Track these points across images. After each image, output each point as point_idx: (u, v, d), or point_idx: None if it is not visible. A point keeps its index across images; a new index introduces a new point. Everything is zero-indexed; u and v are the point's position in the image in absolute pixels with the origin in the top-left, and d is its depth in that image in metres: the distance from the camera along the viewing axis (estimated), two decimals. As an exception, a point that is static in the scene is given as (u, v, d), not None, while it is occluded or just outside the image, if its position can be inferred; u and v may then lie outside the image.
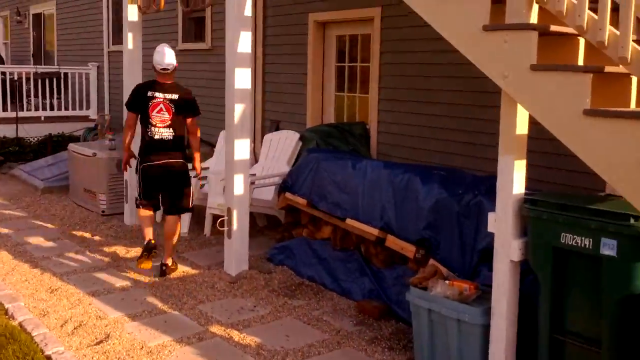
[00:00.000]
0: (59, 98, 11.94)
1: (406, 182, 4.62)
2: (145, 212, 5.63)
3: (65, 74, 12.04)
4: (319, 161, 5.39)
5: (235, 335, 4.30)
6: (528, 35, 3.11)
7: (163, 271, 5.44)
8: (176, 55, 5.70)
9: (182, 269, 5.63)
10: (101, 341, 4.15)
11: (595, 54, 3.39)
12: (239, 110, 5.40)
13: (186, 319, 4.57)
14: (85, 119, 12.19)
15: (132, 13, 6.92)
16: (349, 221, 4.97)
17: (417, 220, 4.44)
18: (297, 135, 6.90)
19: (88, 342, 4.15)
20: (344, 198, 5.07)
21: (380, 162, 5.11)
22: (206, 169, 7.50)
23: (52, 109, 11.88)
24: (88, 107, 12.35)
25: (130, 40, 6.94)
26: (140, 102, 5.52)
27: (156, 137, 5.46)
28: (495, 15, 3.32)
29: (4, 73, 11.52)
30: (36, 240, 6.42)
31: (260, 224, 6.99)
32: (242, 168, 5.46)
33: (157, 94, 5.46)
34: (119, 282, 5.27)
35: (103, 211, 7.53)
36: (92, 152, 7.64)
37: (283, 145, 6.97)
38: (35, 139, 11.20)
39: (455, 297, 3.63)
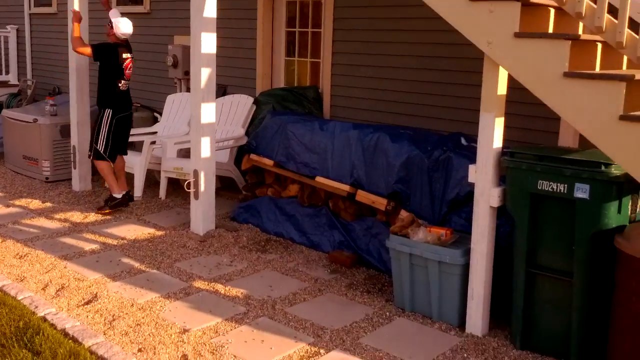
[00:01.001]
0: (-25, 62, 11.29)
1: (375, 141, 4.91)
2: (114, 164, 6.33)
3: (-18, 37, 11.38)
4: (285, 123, 5.57)
5: (221, 288, 4.48)
6: (512, 6, 3.44)
7: (131, 197, 6.45)
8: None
9: (147, 231, 5.69)
10: (90, 301, 4.21)
11: (563, 23, 3.80)
12: (205, 75, 5.47)
13: (167, 276, 4.68)
14: (5, 84, 11.58)
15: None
16: (318, 179, 5.21)
17: (388, 176, 4.76)
18: (251, 99, 7.02)
19: (76, 302, 4.20)
20: (313, 158, 5.30)
21: (348, 123, 5.36)
22: (154, 133, 7.50)
23: (-32, 74, 11.24)
24: (7, 72, 11.72)
25: (76, 2, 6.71)
26: (110, 57, 6.14)
27: (124, 89, 6.24)
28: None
29: None
30: (-16, 208, 6.24)
31: (215, 185, 7.08)
32: (209, 131, 5.56)
33: (127, 54, 6.24)
34: (87, 246, 5.27)
35: (47, 178, 7.36)
36: (32, 118, 7.40)
37: (236, 109, 7.07)
38: (-47, 105, 10.59)
39: (435, 242, 3.99)
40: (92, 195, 6.82)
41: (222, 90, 8.04)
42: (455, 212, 4.38)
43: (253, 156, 5.79)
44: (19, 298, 4.13)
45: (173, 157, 6.74)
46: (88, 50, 6.08)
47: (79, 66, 6.85)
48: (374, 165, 4.88)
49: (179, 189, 7.08)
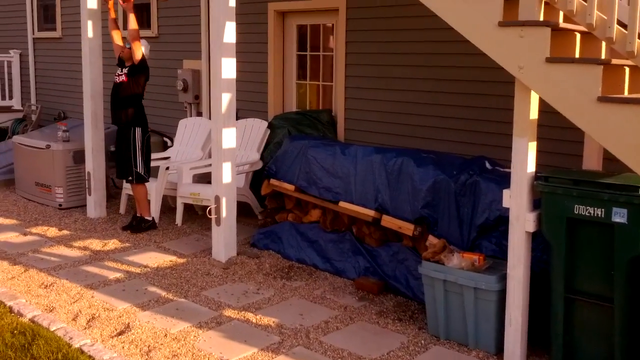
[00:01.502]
0: (-21, 88, 11.28)
1: (400, 165, 4.94)
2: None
3: (-15, 62, 11.38)
4: (306, 148, 5.60)
5: (251, 317, 4.47)
6: (543, 31, 3.50)
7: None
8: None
9: (169, 258, 5.68)
10: (123, 331, 4.19)
11: (588, 47, 3.87)
12: (225, 100, 5.49)
13: (196, 305, 4.67)
14: (9, 109, 11.58)
15: (91, 0, 6.73)
16: (342, 204, 5.23)
17: (414, 201, 4.78)
18: (265, 123, 7.05)
19: (109, 333, 4.17)
20: (336, 182, 5.32)
21: (370, 147, 5.40)
22: (166, 158, 7.51)
23: (-29, 99, 11.23)
24: (11, 97, 11.73)
25: (90, 29, 6.76)
26: (147, 74, 6.43)
27: None
28: (505, 12, 3.69)
29: None
30: (1, 237, 6.20)
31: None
32: (230, 156, 5.57)
33: None
34: (111, 275, 5.25)
35: (60, 205, 7.33)
36: (45, 144, 7.40)
37: (250, 134, 7.10)
38: (-42, 132, 10.57)
39: (469, 268, 4.01)
40: (108, 222, 6.80)
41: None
42: (484, 237, 4.41)
43: (273, 181, 5.81)
44: (52, 329, 4.10)
45: (189, 183, 6.74)
46: (141, 52, 6.20)
47: (93, 92, 6.88)
48: (399, 189, 4.91)
49: (193, 214, 7.10)
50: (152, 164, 7.59)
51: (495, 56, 3.69)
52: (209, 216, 5.71)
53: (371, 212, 5.03)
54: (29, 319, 4.28)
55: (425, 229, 4.78)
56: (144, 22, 9.26)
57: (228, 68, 5.49)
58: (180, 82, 8.35)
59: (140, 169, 6.27)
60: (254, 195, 6.85)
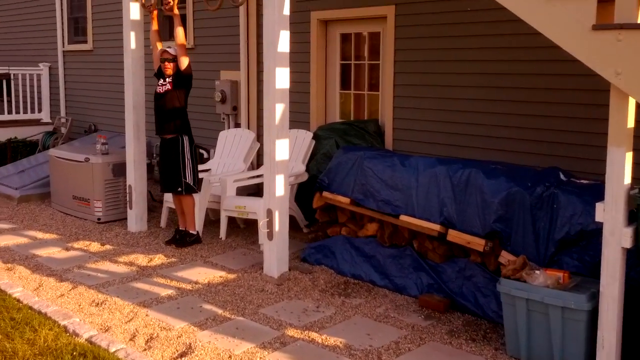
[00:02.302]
0: (9, 101, 11.18)
1: (467, 177, 4.71)
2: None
3: (15, 76, 11.29)
4: (361, 159, 5.39)
5: (316, 337, 4.24)
6: (643, 33, 3.27)
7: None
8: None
9: (219, 274, 5.47)
10: (185, 353, 3.97)
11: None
12: (279, 111, 5.30)
13: (256, 324, 4.45)
14: (38, 122, 11.50)
15: (134, 11, 6.59)
16: (403, 218, 5.01)
17: (484, 214, 4.55)
18: (310, 134, 6.86)
19: (171, 354, 3.96)
20: (395, 195, 5.10)
21: (431, 158, 5.18)
22: (207, 170, 7.33)
23: (1, 112, 11.11)
24: (40, 110, 11.64)
25: (132, 40, 6.61)
26: (191, 83, 6.30)
27: None
28: (598, 15, 3.47)
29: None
30: (44, 252, 6.03)
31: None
32: (283, 168, 5.38)
33: None
34: (162, 291, 5.05)
35: (99, 219, 7.16)
36: (84, 158, 7.23)
37: (295, 144, 6.90)
38: (-11, 145, 10.46)
39: (555, 286, 3.77)
40: (149, 236, 6.61)
41: (272, 125, 7.89)
42: (564, 252, 4.16)
43: (326, 194, 5.60)
44: (112, 350, 3.90)
45: (233, 195, 6.55)
46: (188, 61, 6.16)
47: (136, 103, 6.70)
48: (467, 203, 4.68)
49: (235, 227, 6.90)
50: (193, 176, 7.45)
51: (589, 62, 3.46)
52: (261, 230, 5.51)
53: (436, 227, 4.79)
54: (86, 339, 4.07)
55: (497, 245, 4.54)
56: (171, 33, 9.12)
57: (282, 78, 5.31)
58: (219, 93, 8.19)
59: (189, 179, 6.10)
60: (299, 208, 6.66)
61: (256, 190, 7.68)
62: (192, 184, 6.12)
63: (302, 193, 6.63)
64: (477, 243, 4.56)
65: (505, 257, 4.39)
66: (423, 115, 6.35)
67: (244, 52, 8.05)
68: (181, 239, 6.21)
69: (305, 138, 6.85)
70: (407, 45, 6.42)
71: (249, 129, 8.01)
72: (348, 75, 7.27)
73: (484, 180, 4.60)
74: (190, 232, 6.24)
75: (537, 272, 3.83)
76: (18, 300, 4.73)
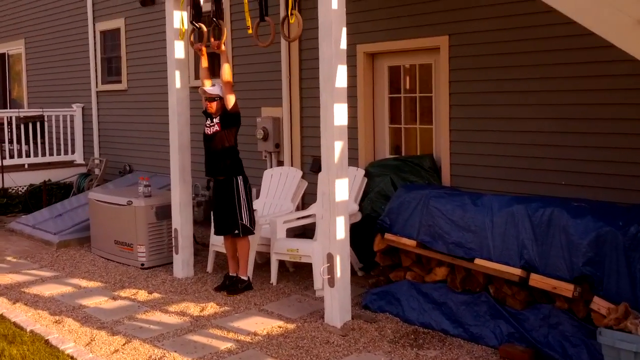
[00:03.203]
0: (42, 143, 11.08)
1: (549, 217, 4.38)
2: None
3: (49, 117, 11.22)
4: (427, 198, 5.08)
5: (397, 396, 3.89)
6: None
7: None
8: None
9: (277, 324, 5.15)
10: (258, 418, 3.64)
11: None
12: (338, 148, 5.04)
13: (328, 382, 4.11)
14: (71, 164, 11.38)
15: (179, 50, 6.42)
16: (478, 261, 4.66)
17: (571, 257, 4.20)
18: (362, 171, 6.58)
19: (243, 420, 3.63)
20: (468, 237, 4.77)
21: (506, 196, 4.86)
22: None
23: (35, 155, 11.01)
24: (73, 152, 11.54)
25: (177, 79, 6.42)
26: (239, 122, 6.06)
27: None
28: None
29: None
30: (91, 302, 5.76)
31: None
32: (343, 210, 5.08)
33: None
34: (221, 345, 4.73)
35: (142, 264, 6.90)
36: (126, 201, 7.01)
37: (345, 183, 6.60)
38: (23, 188, 10.33)
39: (669, 338, 3.40)
40: (197, 282, 6.32)
41: (318, 163, 7.63)
42: (668, 297, 3.79)
43: (389, 236, 5.28)
44: (179, 419, 3.58)
45: (284, 238, 6.26)
46: (234, 100, 5.92)
47: (181, 144, 6.49)
48: (550, 244, 4.33)
49: (284, 270, 6.60)
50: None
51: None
52: (321, 276, 5.20)
53: (517, 271, 4.44)
54: (150, 404, 3.76)
55: (586, 290, 4.18)
56: (216, 70, 8.98)
57: (340, 114, 5.06)
58: (261, 131, 7.97)
59: (246, 221, 5.83)
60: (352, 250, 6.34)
61: (302, 231, 7.39)
62: (249, 225, 5.85)
63: (355, 234, 6.31)
64: (565, 288, 4.19)
65: (598, 303, 4.02)
66: (483, 149, 6.04)
67: (286, 87, 7.84)
68: (232, 286, 5.92)
69: (357, 175, 6.56)
70: (463, 77, 6.15)
71: (292, 166, 7.75)
72: (397, 109, 7.01)
73: (568, 220, 4.25)
74: (242, 277, 5.95)
75: (648, 322, 3.46)
76: (72, 358, 4.45)
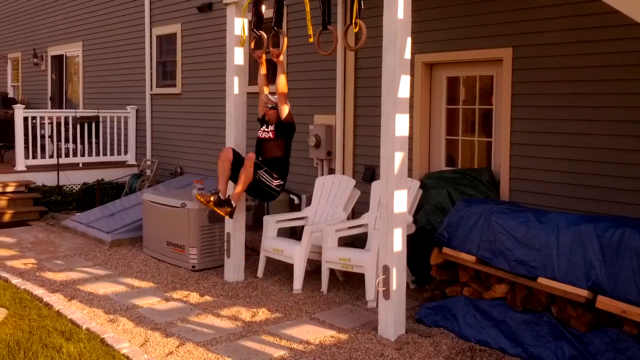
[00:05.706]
0: (97, 143, 11.30)
1: (619, 237, 4.21)
2: None
3: (104, 118, 11.44)
4: (489, 214, 4.95)
5: (456, 416, 3.78)
6: None
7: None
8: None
9: (329, 333, 5.08)
10: None
11: None
12: (398, 159, 4.96)
13: (384, 396, 4.02)
14: (123, 164, 11.59)
15: (238, 56, 6.45)
16: (542, 280, 4.51)
17: (643, 280, 4.02)
18: (417, 182, 6.47)
19: None
20: (531, 255, 4.62)
21: (573, 215, 4.70)
22: (303, 218, 7.04)
23: (89, 154, 11.24)
24: (126, 152, 11.75)
25: (236, 85, 6.45)
26: (293, 133, 6.17)
27: None
28: None
29: (43, 118, 10.95)
30: (144, 302, 5.80)
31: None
32: (401, 222, 5.00)
33: None
34: (274, 352, 4.69)
35: (193, 266, 6.93)
36: (180, 203, 7.06)
37: (400, 194, 6.51)
38: (77, 186, 10.55)
39: None
40: (248, 287, 6.31)
41: (370, 173, 7.57)
42: None
43: (447, 250, 5.17)
44: None
45: (335, 247, 6.20)
46: (288, 110, 6.04)
47: (237, 148, 6.48)
48: (620, 266, 4.16)
49: (333, 279, 6.53)
50: (289, 224, 7.17)
51: None
52: (376, 287, 5.12)
53: (583, 292, 4.28)
54: (206, 409, 3.74)
55: (659, 315, 4.00)
56: (270, 77, 9.00)
57: (401, 125, 4.98)
58: (313, 138, 7.95)
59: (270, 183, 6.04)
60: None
61: (352, 240, 7.32)
62: (273, 186, 6.08)
63: (409, 246, 6.20)
64: (635, 313, 4.02)
65: (674, 331, 3.83)
66: (545, 164, 5.88)
67: (340, 95, 7.81)
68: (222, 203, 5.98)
69: (412, 187, 6.46)
70: (527, 90, 6.01)
71: (343, 174, 7.71)
72: (454, 121, 6.89)
73: (641, 242, 4.08)
74: (232, 202, 6.01)
75: None
76: (127, 358, 4.46)
